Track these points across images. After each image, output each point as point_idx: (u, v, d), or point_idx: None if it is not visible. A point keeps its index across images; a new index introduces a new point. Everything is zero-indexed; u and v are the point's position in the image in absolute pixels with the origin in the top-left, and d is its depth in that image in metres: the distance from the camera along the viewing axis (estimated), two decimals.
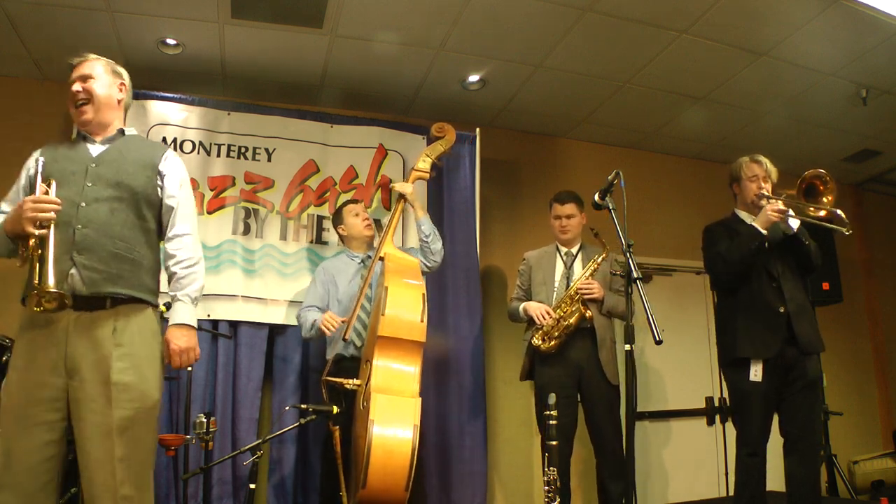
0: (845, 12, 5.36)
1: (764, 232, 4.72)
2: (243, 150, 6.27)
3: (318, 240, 6.34)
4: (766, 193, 4.89)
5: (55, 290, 3.02)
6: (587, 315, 5.26)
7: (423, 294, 4.76)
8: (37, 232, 3.12)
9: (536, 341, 5.37)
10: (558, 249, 5.75)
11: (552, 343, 5.31)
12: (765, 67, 6.19)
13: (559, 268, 5.67)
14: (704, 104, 6.92)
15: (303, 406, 4.84)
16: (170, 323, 3.47)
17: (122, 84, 3.77)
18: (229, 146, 6.24)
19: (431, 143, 5.71)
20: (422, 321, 4.65)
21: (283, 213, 6.28)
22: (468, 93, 6.70)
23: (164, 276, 3.63)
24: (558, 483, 4.49)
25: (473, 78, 6.46)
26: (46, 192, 3.26)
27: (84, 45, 3.71)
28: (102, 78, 3.66)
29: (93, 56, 3.73)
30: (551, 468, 4.46)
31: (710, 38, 5.76)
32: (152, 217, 3.55)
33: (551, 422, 4.46)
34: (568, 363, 5.33)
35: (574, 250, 5.70)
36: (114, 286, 3.28)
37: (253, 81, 6.52)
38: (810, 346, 4.72)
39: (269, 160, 6.32)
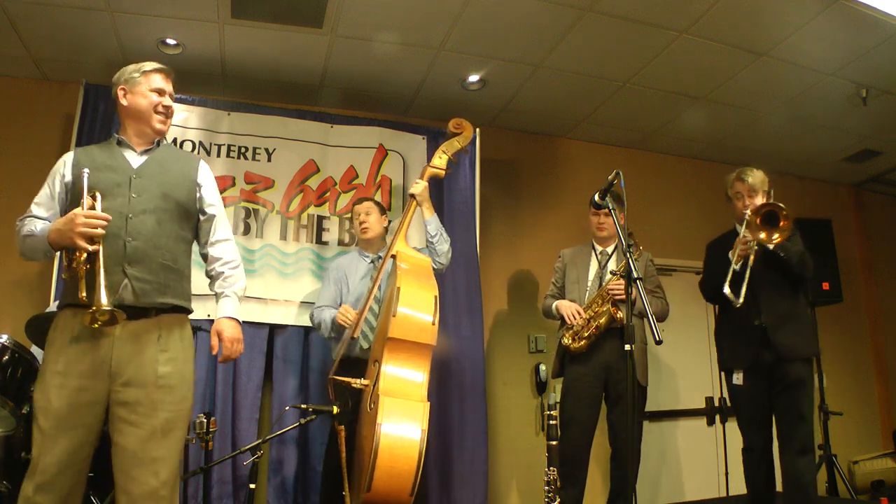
0: (845, 12, 5.36)
1: (736, 267, 4.91)
2: (243, 150, 6.27)
3: (318, 240, 6.34)
4: (739, 229, 5.02)
5: (110, 308, 3.07)
6: (617, 316, 5.19)
7: (436, 296, 4.72)
8: (90, 248, 3.18)
9: (566, 341, 5.37)
10: (594, 248, 5.71)
11: (582, 343, 5.30)
12: (765, 67, 6.19)
13: (593, 267, 5.64)
14: (704, 104, 6.92)
15: (303, 406, 4.84)
16: (219, 315, 3.67)
17: None
18: (229, 146, 6.24)
19: (448, 139, 5.64)
20: (433, 324, 4.61)
21: (284, 213, 6.28)
22: (468, 93, 6.70)
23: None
24: (558, 483, 4.49)
25: (473, 78, 6.46)
26: (93, 206, 3.29)
27: (84, 45, 3.72)
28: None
29: (171, 70, 3.83)
30: (552, 468, 4.47)
31: (710, 38, 5.76)
32: (190, 228, 3.68)
33: (552, 422, 4.47)
34: (596, 363, 5.32)
35: (609, 249, 5.66)
36: (163, 297, 3.38)
37: (253, 81, 6.52)
38: (791, 352, 4.91)
39: (269, 160, 6.33)
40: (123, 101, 3.66)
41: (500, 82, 6.54)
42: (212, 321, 5.64)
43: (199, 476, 5.20)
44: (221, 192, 5.82)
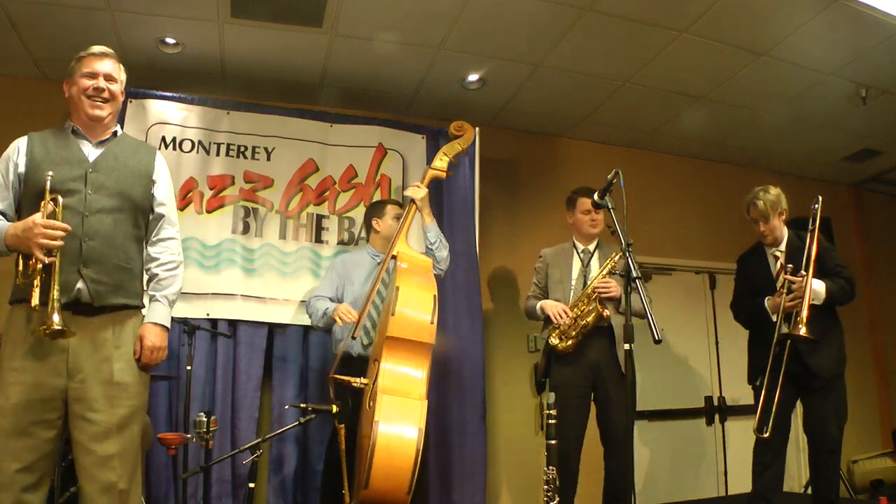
0: (845, 12, 5.36)
1: (773, 318, 5.05)
2: (243, 149, 6.26)
3: (318, 239, 6.34)
4: (785, 282, 5.01)
5: (60, 328, 3.08)
6: (604, 314, 5.19)
7: (435, 296, 4.73)
8: (46, 260, 3.18)
9: (553, 340, 5.35)
10: (575, 247, 5.68)
11: (569, 342, 5.28)
12: (764, 67, 6.19)
13: (576, 266, 5.62)
14: (704, 103, 6.91)
15: (302, 405, 4.84)
16: (145, 320, 3.52)
17: (124, 88, 3.81)
18: (228, 145, 6.23)
19: (449, 141, 5.66)
20: (432, 323, 4.62)
21: (283, 213, 6.28)
22: (468, 92, 6.69)
23: None
24: (557, 482, 4.49)
25: (473, 77, 6.45)
26: (53, 212, 3.26)
27: (84, 44, 3.70)
28: (119, 83, 3.73)
29: (112, 53, 3.74)
30: (551, 467, 4.46)
31: (710, 38, 5.75)
32: (144, 225, 3.64)
33: (551, 421, 4.47)
34: (584, 362, 5.31)
35: (591, 248, 5.64)
36: (117, 297, 3.37)
37: (252, 80, 6.52)
38: (825, 372, 5.04)
39: (268, 159, 6.32)
40: (66, 95, 3.67)
41: (499, 82, 6.54)
42: (208, 319, 5.72)
43: (199, 475, 5.20)
44: (221, 191, 5.96)
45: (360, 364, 5.06)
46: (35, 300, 3.12)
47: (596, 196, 4.34)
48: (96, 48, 3.69)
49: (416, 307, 4.61)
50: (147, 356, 3.42)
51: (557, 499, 4.47)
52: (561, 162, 7.55)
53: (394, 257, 5.04)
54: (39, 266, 3.17)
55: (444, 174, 5.52)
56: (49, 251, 3.17)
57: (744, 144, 7.75)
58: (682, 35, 5.72)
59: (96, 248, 3.32)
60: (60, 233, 3.20)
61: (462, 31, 5.72)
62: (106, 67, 3.64)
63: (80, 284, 3.27)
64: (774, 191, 5.22)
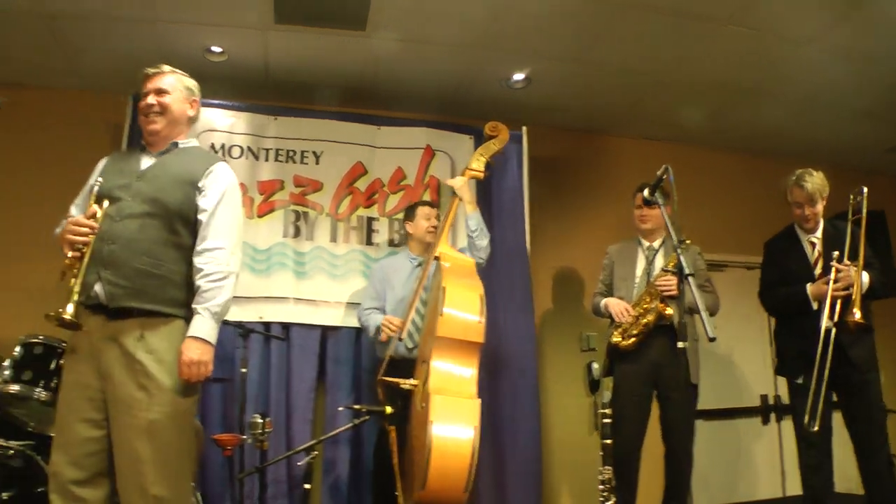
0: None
1: (815, 305, 4.92)
2: (291, 153, 6.34)
3: (368, 241, 6.38)
4: (833, 270, 4.88)
5: (69, 318, 3.18)
6: (666, 313, 5.07)
7: (481, 295, 4.74)
8: (69, 254, 3.30)
9: (616, 338, 5.28)
10: (640, 243, 5.60)
11: (631, 340, 5.20)
12: (809, 57, 6.08)
13: (640, 263, 5.53)
14: (749, 96, 6.80)
15: (356, 407, 4.87)
16: (187, 334, 3.43)
17: (195, 101, 3.90)
18: (277, 150, 6.32)
19: (484, 142, 5.66)
20: (480, 322, 4.63)
21: (333, 215, 6.33)
22: (513, 91, 6.67)
23: None
24: (613, 482, 4.46)
25: (518, 76, 6.43)
26: (94, 214, 3.38)
27: (130, 55, 3.78)
28: (177, 93, 3.78)
29: (168, 69, 3.83)
30: (606, 467, 4.44)
31: (754, 28, 5.66)
32: (187, 233, 3.57)
33: (606, 420, 4.44)
34: (646, 361, 5.22)
35: (656, 244, 5.54)
36: (136, 301, 3.36)
37: (298, 85, 6.57)
38: (865, 364, 4.97)
39: (317, 163, 6.39)
40: None
41: (544, 80, 6.51)
42: (262, 322, 5.79)
43: (255, 476, 5.24)
44: (271, 196, 6.02)
45: (407, 366, 5.08)
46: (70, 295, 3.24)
47: (645, 193, 4.31)
48: (150, 69, 3.80)
49: (464, 307, 4.62)
50: (185, 371, 3.34)
51: (613, 499, 4.45)
52: (609, 159, 7.49)
53: (436, 258, 5.06)
54: (67, 262, 3.31)
55: (481, 174, 5.54)
56: (75, 248, 3.30)
57: (792, 135, 7.59)
58: (726, 26, 5.65)
59: (115, 252, 3.37)
60: (85, 230, 3.30)
61: (504, 30, 5.72)
62: (156, 83, 3.74)
63: (97, 286, 3.33)
64: (819, 174, 5.10)
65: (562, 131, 7.42)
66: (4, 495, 4.12)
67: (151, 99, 3.69)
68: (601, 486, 4.44)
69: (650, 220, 5.47)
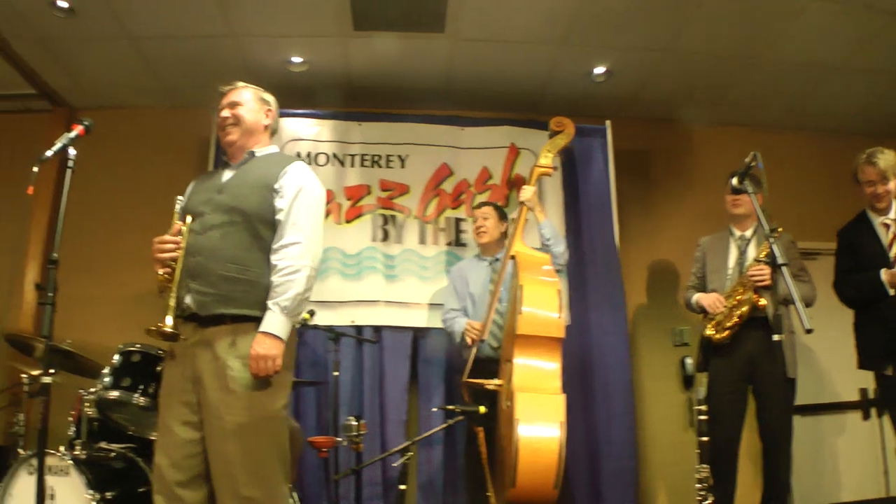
0: None
1: (890, 292, 4.76)
2: (376, 158, 6.42)
3: (457, 242, 6.41)
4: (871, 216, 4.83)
5: (168, 330, 3.33)
6: (760, 303, 4.92)
7: (559, 290, 4.72)
8: (160, 271, 3.45)
9: (709, 332, 5.14)
10: (731, 233, 5.45)
11: (725, 333, 5.06)
12: None
13: (733, 253, 5.37)
14: (841, 73, 6.57)
15: (450, 407, 4.89)
16: (258, 329, 3.45)
17: (269, 110, 3.95)
18: (362, 156, 6.41)
19: (550, 138, 5.60)
20: (559, 317, 4.60)
21: (421, 218, 6.39)
22: (595, 85, 6.61)
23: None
24: (711, 481, 4.39)
25: (599, 69, 6.38)
26: (179, 231, 3.52)
27: (213, 70, 3.90)
28: (250, 104, 3.85)
29: (241, 84, 3.92)
30: (703, 465, 4.38)
31: (840, 2, 5.49)
32: (271, 235, 3.62)
33: (702, 417, 4.38)
34: (740, 355, 5.07)
35: (748, 234, 5.35)
36: (225, 307, 3.43)
37: (380, 90, 6.65)
38: None
39: (402, 166, 6.46)
40: None
41: (626, 72, 6.45)
42: (354, 326, 5.87)
43: (351, 477, 5.31)
44: (358, 201, 6.12)
45: (491, 366, 5.07)
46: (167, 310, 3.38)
47: (734, 181, 4.24)
48: (224, 87, 3.91)
49: (542, 303, 4.60)
50: (252, 366, 3.37)
51: (711, 498, 4.38)
52: (695, 149, 7.35)
53: (512, 258, 5.05)
54: (161, 279, 3.45)
55: (551, 171, 5.49)
56: (165, 265, 3.44)
57: (888, 111, 7.37)
58: (813, 2, 5.48)
59: (200, 263, 3.46)
60: (170, 245, 3.43)
61: (584, 23, 5.69)
62: (230, 97, 3.84)
63: (187, 298, 3.44)
64: (890, 151, 4.91)
65: (646, 122, 7.29)
66: (108, 495, 4.28)
67: (226, 112, 3.79)
68: (698, 486, 4.38)
69: (742, 203, 5.29)
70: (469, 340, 5.25)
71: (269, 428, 3.43)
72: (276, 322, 3.42)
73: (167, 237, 3.47)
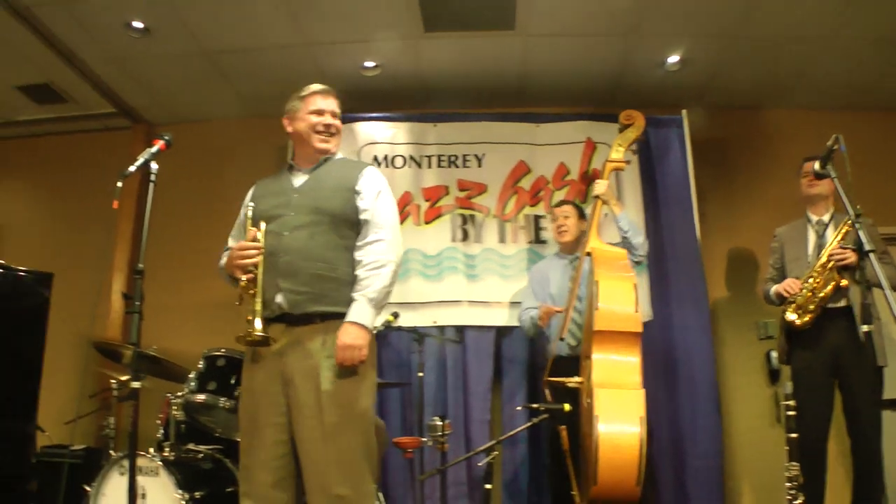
0: None
1: None
2: (453, 158, 6.45)
3: (537, 239, 6.41)
4: None
5: (260, 335, 3.35)
6: (842, 284, 4.81)
7: (635, 284, 4.70)
8: (244, 277, 3.48)
9: (790, 316, 5.01)
10: (808, 220, 5.33)
11: (807, 317, 4.94)
12: None
13: (811, 239, 5.25)
14: None
15: (534, 405, 4.88)
16: (345, 319, 3.51)
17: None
18: (439, 156, 6.46)
19: (621, 131, 5.61)
20: (636, 311, 4.59)
21: (500, 217, 6.41)
22: (669, 74, 6.52)
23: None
24: (801, 479, 4.28)
25: (672, 59, 6.29)
26: (255, 237, 3.54)
27: (288, 79, 3.97)
28: (340, 116, 3.94)
29: (333, 90, 3.95)
30: (793, 463, 4.28)
31: None
32: (353, 234, 3.70)
33: (790, 413, 4.29)
34: (824, 346, 4.94)
35: (826, 218, 5.25)
36: (317, 305, 3.49)
37: (453, 90, 6.67)
38: None
39: (479, 165, 6.48)
40: (289, 129, 3.86)
41: (700, 60, 6.33)
42: (436, 327, 5.90)
43: (436, 477, 5.35)
44: (437, 202, 6.18)
45: (572, 364, 5.05)
46: (248, 315, 3.40)
47: (816, 165, 4.15)
48: (318, 86, 3.91)
49: (618, 298, 4.59)
50: (340, 355, 3.43)
51: (802, 497, 4.27)
52: (774, 134, 7.15)
53: (588, 254, 5.04)
54: (243, 284, 3.47)
55: (622, 165, 5.50)
56: (247, 270, 3.46)
57: None
58: None
59: (291, 262, 3.51)
60: (252, 251, 3.47)
61: (654, 12, 5.63)
62: (331, 105, 3.87)
63: (279, 297, 3.48)
64: None
65: (722, 110, 7.12)
66: (197, 494, 4.40)
67: (329, 119, 3.84)
68: (788, 485, 4.26)
69: (818, 183, 5.14)
70: (542, 321, 5.25)
71: (359, 426, 3.48)
72: (362, 312, 3.49)
73: (248, 243, 3.51)
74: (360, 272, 3.59)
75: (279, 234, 3.57)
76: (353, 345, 3.42)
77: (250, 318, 3.39)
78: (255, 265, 3.48)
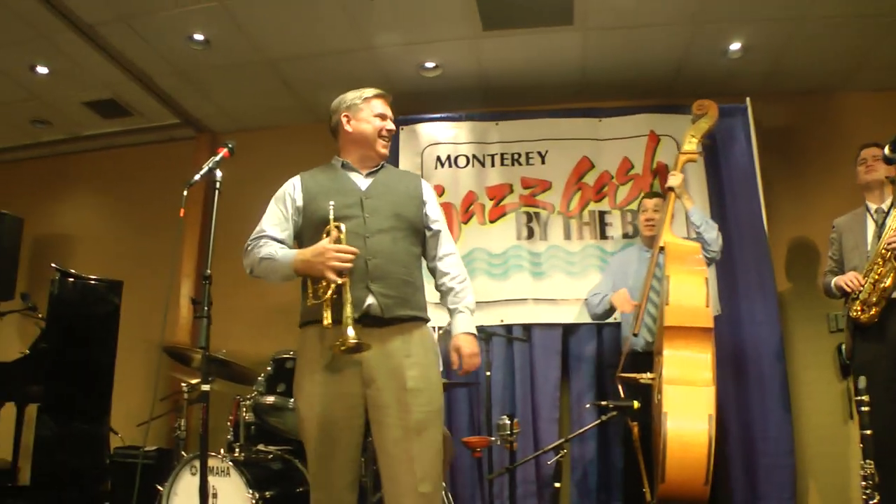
0: None
1: None
2: (516, 156, 6.45)
3: (602, 235, 6.38)
4: None
5: (356, 342, 3.27)
6: None
7: (706, 279, 4.66)
8: (339, 280, 3.37)
9: (855, 312, 4.87)
10: (867, 209, 5.18)
11: (872, 311, 4.78)
12: None
13: (870, 228, 5.09)
14: None
15: (602, 403, 4.86)
16: (456, 332, 3.65)
17: None
18: (502, 155, 6.46)
19: (693, 122, 5.53)
20: (707, 306, 4.55)
21: (564, 213, 6.39)
22: (732, 62, 6.40)
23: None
24: (876, 478, 4.14)
25: (734, 46, 6.16)
26: (338, 238, 3.47)
27: (349, 83, 3.96)
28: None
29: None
30: (868, 461, 4.15)
31: None
32: (420, 243, 3.77)
33: (863, 408, 4.17)
34: (889, 339, 4.77)
35: (885, 205, 5.07)
36: (404, 309, 3.51)
37: (514, 88, 6.64)
38: None
39: (542, 163, 6.47)
40: (347, 128, 3.80)
41: (762, 45, 6.20)
42: (503, 325, 5.87)
43: (504, 476, 5.32)
44: (501, 201, 6.21)
45: (646, 360, 5.01)
46: (327, 319, 3.34)
47: (887, 150, 4.06)
48: (378, 90, 3.90)
49: (689, 294, 4.56)
50: (467, 363, 3.59)
51: (878, 497, 4.13)
52: (842, 118, 6.95)
53: (661, 248, 4.98)
54: (332, 287, 3.38)
55: (696, 156, 5.44)
56: (340, 272, 3.39)
57: None
58: None
59: (381, 266, 3.52)
60: (350, 256, 3.41)
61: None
62: (388, 111, 3.89)
63: (370, 300, 3.46)
64: None
65: (787, 96, 6.98)
66: (268, 494, 4.46)
67: (391, 125, 3.87)
68: (863, 483, 4.13)
69: (877, 168, 5.04)
70: (618, 306, 5.28)
71: (438, 423, 3.53)
72: (471, 323, 3.68)
73: (343, 246, 3.43)
74: (453, 284, 3.74)
75: (362, 237, 3.54)
76: (476, 352, 3.62)
77: (328, 322, 3.32)
78: (348, 270, 3.42)
